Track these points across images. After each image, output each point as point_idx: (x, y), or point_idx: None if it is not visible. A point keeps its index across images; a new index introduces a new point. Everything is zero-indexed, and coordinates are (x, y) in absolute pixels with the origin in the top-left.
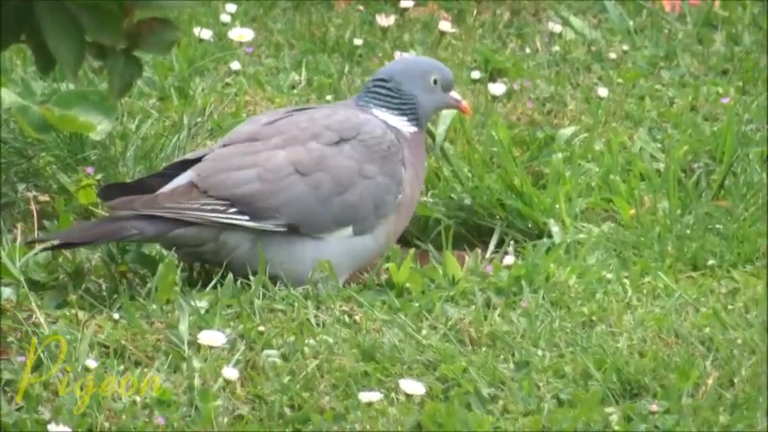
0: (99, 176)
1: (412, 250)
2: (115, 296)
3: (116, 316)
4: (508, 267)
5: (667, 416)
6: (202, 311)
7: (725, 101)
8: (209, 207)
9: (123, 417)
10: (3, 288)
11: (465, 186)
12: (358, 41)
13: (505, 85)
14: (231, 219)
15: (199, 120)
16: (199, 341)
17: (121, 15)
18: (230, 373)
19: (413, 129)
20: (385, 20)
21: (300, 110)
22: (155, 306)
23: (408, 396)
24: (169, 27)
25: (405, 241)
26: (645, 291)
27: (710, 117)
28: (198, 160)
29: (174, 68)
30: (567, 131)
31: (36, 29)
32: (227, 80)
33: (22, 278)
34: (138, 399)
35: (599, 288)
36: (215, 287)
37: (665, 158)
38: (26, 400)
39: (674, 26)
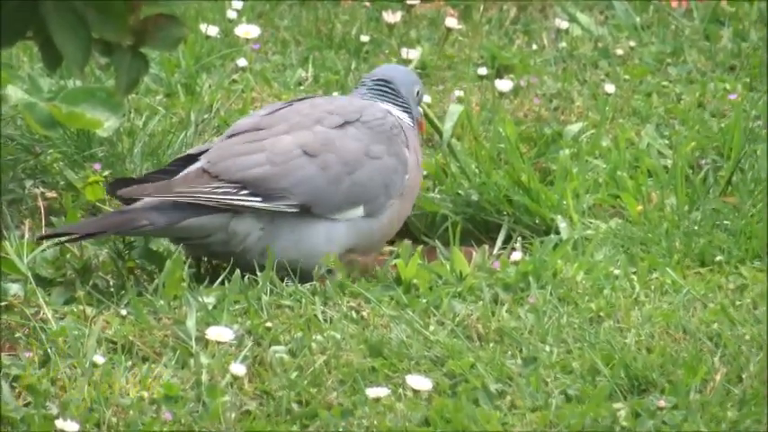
0: (106, 173)
1: (420, 246)
2: (123, 292)
3: (124, 312)
4: (516, 263)
5: (675, 411)
6: (210, 307)
7: (732, 97)
8: (221, 190)
9: (131, 412)
10: (11, 284)
11: (472, 182)
12: (365, 38)
13: (512, 81)
14: (243, 200)
15: (206, 116)
16: (206, 337)
17: (128, 12)
18: (238, 368)
19: (412, 124)
20: (391, 16)
21: (300, 100)
22: (162, 302)
23: (416, 392)
24: (176, 23)
25: (412, 237)
26: (652, 287)
27: (718, 113)
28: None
29: (180, 65)
30: (574, 128)
31: (42, 25)
32: (234, 77)
33: (29, 274)
34: (145, 394)
35: (607, 284)
36: (222, 283)
37: (673, 155)
38: (34, 396)
39: (681, 22)
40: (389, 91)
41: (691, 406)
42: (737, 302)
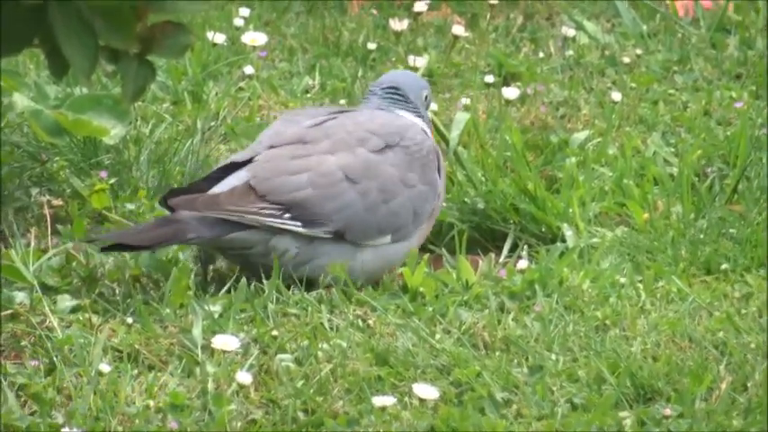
0: (112, 181)
1: (426, 255)
2: (129, 300)
3: (129, 320)
4: (522, 272)
5: (681, 420)
6: (216, 316)
7: (738, 105)
8: (267, 212)
9: (137, 421)
10: (16, 292)
11: (478, 191)
12: (371, 45)
13: (519, 89)
14: (285, 224)
15: (212, 124)
16: (212, 345)
17: (135, 19)
18: (244, 377)
19: (427, 130)
20: (398, 24)
21: (342, 112)
22: (168, 310)
23: (422, 400)
24: (182, 31)
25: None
26: (658, 295)
27: (724, 121)
28: (246, 162)
29: (187, 72)
30: (580, 136)
31: (49, 33)
32: (241, 84)
33: (35, 282)
34: (151, 403)
35: (612, 292)
36: (228, 291)
37: (679, 163)
38: (39, 405)
39: (688, 30)
40: (400, 98)
41: (696, 414)
42: (743, 311)
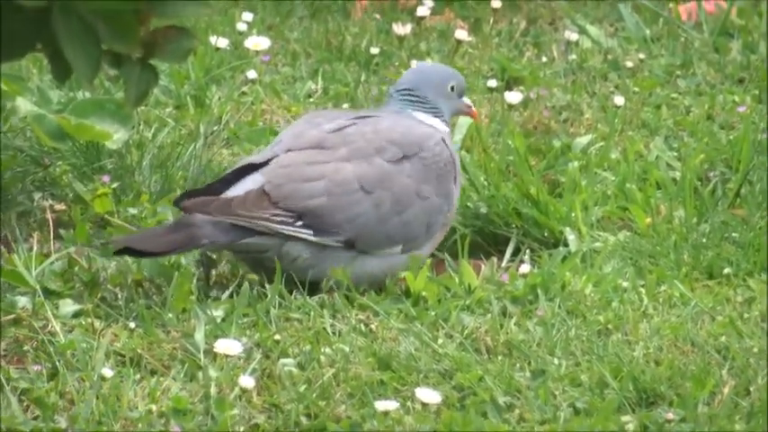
0: (115, 185)
1: (428, 259)
2: (131, 305)
3: (132, 325)
4: (524, 276)
5: (683, 424)
6: (218, 320)
7: (741, 109)
8: (279, 219)
9: (139, 425)
10: (19, 297)
11: (481, 195)
12: (374, 50)
13: (522, 93)
14: (297, 232)
15: (215, 128)
16: (215, 350)
17: (138, 24)
18: (246, 381)
19: (447, 129)
20: (401, 28)
21: (362, 117)
22: (171, 315)
23: (424, 405)
24: (185, 35)
25: None
26: (661, 299)
27: (727, 126)
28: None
29: (190, 77)
30: (583, 140)
31: (52, 37)
32: (244, 89)
33: (37, 287)
34: (154, 408)
35: (615, 297)
36: (231, 296)
37: (682, 167)
38: (42, 409)
39: (691, 35)
40: (416, 100)
41: (699, 419)
42: (745, 315)
